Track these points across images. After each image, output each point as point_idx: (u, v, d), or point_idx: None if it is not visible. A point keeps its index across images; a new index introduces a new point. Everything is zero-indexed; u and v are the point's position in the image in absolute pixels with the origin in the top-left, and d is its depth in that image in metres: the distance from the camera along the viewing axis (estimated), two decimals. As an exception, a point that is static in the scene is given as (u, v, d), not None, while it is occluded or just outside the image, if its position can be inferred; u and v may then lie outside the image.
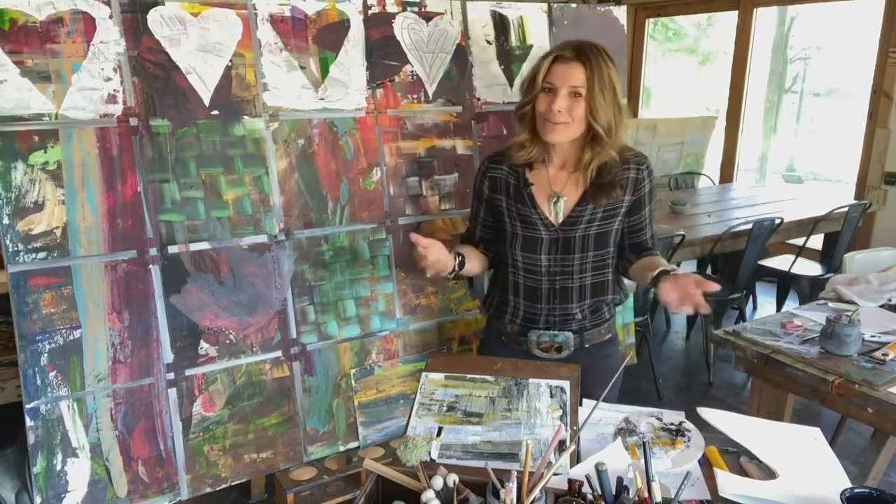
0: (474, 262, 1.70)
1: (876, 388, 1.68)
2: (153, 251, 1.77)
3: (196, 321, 1.83)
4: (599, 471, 1.03)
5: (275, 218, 1.91)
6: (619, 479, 1.05)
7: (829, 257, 3.81)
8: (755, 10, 5.00)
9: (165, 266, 1.78)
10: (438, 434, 1.33)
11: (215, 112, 1.82)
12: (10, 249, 1.61)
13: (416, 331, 2.14)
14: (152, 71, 1.74)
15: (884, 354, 1.79)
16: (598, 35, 2.34)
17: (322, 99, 1.95)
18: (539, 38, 2.26)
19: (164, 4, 1.74)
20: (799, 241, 3.76)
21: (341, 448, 2.05)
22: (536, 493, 1.00)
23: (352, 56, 1.98)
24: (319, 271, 1.99)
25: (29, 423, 1.66)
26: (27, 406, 1.66)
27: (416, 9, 2.06)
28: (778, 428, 1.45)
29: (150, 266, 1.77)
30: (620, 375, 1.66)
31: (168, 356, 1.80)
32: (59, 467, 1.69)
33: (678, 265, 3.98)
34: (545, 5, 2.27)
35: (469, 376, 1.49)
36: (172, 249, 1.79)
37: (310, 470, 2.06)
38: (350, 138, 2.00)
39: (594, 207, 1.59)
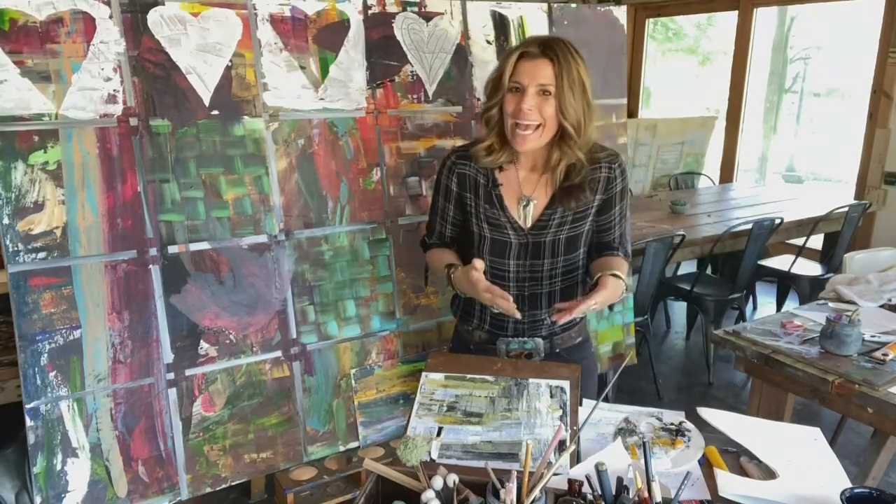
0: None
1: (876, 388, 1.68)
2: (153, 251, 1.77)
3: (196, 321, 1.83)
4: (599, 471, 1.03)
5: (275, 218, 1.91)
6: (619, 479, 1.05)
7: (829, 257, 3.81)
8: (755, 10, 5.00)
9: (165, 266, 1.78)
10: (438, 434, 1.33)
11: (215, 112, 1.82)
12: (10, 249, 1.61)
13: (416, 331, 2.14)
14: (152, 71, 1.74)
15: (884, 354, 1.79)
16: (598, 35, 2.35)
17: (322, 99, 1.95)
18: (539, 38, 2.26)
19: (164, 4, 1.74)
20: (799, 241, 3.76)
21: (341, 448, 2.05)
22: (536, 493, 1.00)
23: (352, 56, 1.98)
24: (319, 271, 1.99)
25: (29, 423, 1.66)
26: (27, 406, 1.66)
27: (416, 9, 2.06)
28: (778, 428, 1.45)
29: (150, 266, 1.77)
30: (593, 388, 1.66)
31: (168, 356, 1.80)
32: (59, 467, 1.69)
33: (678, 265, 3.99)
34: (545, 5, 2.27)
35: (469, 376, 1.49)
36: (172, 249, 1.79)
37: (310, 470, 2.06)
38: (350, 138, 2.00)
39: (564, 211, 1.52)
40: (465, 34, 2.14)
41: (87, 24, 1.66)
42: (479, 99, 2.17)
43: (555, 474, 1.05)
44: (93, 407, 1.73)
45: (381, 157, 2.05)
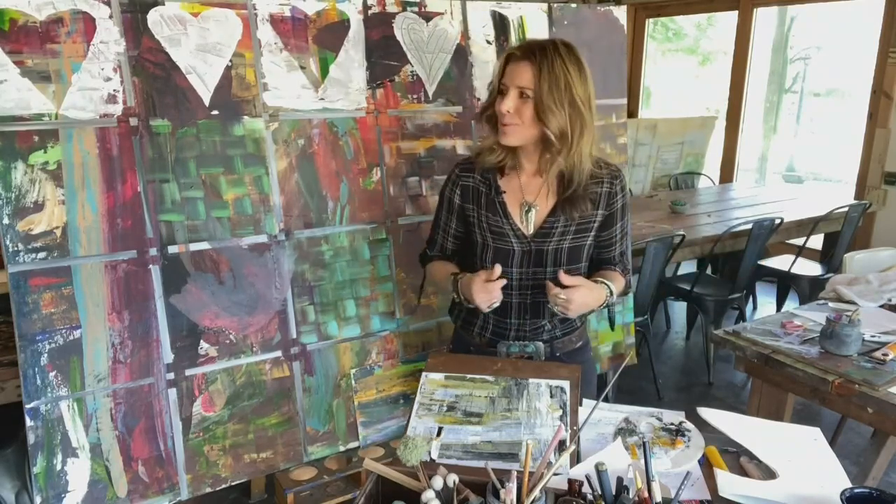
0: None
1: (876, 388, 1.67)
2: (153, 251, 1.77)
3: (196, 321, 1.83)
4: (599, 471, 1.03)
5: (275, 218, 1.91)
6: (619, 479, 1.05)
7: (829, 257, 3.81)
8: (755, 10, 5.00)
9: (165, 266, 1.78)
10: (438, 434, 1.33)
11: (215, 112, 1.82)
12: (10, 249, 1.62)
13: (416, 331, 2.14)
14: (152, 71, 1.74)
15: (884, 354, 1.79)
16: (598, 35, 2.35)
17: (322, 99, 1.95)
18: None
19: (164, 4, 1.74)
20: (799, 241, 3.76)
21: (341, 448, 2.05)
22: (536, 493, 1.00)
23: (352, 56, 1.98)
24: (319, 271, 1.99)
25: (29, 423, 1.66)
26: (27, 406, 1.66)
27: (416, 9, 2.06)
28: (778, 428, 1.45)
29: (150, 266, 1.77)
30: (592, 391, 1.65)
31: (168, 356, 1.80)
32: (59, 467, 1.69)
33: (678, 265, 3.99)
34: (545, 5, 2.27)
35: (469, 376, 1.49)
36: (172, 249, 1.79)
37: (310, 470, 2.06)
38: (350, 138, 2.00)
39: (566, 220, 1.51)
40: (465, 34, 2.14)
41: (87, 24, 1.66)
42: (478, 99, 2.17)
43: (555, 474, 1.05)
44: (93, 407, 1.73)
45: (381, 157, 2.05)
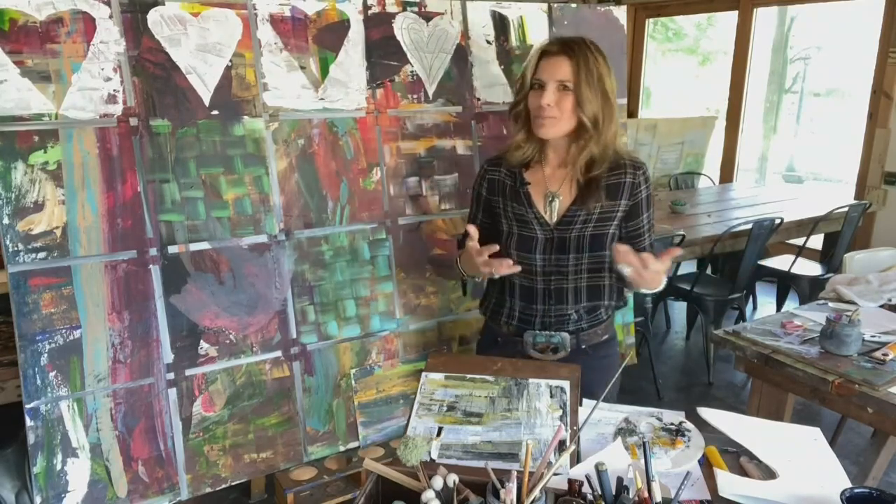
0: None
1: (876, 388, 1.67)
2: (153, 251, 1.77)
3: (196, 321, 1.83)
4: (599, 471, 1.03)
5: (275, 218, 1.91)
6: (619, 479, 1.05)
7: (829, 257, 3.81)
8: (755, 10, 5.00)
9: (165, 266, 1.78)
10: (438, 434, 1.33)
11: (215, 112, 1.82)
12: (10, 249, 1.62)
13: (416, 331, 2.14)
14: (152, 71, 1.74)
15: (884, 354, 1.79)
16: (598, 35, 2.34)
17: (322, 99, 1.95)
18: (539, 39, 2.25)
19: (164, 4, 1.74)
20: (799, 241, 3.76)
21: (341, 448, 2.05)
22: (536, 493, 1.00)
23: (352, 56, 1.98)
24: (319, 271, 1.99)
25: (29, 423, 1.66)
26: (27, 406, 1.66)
27: (416, 9, 2.06)
28: (778, 428, 1.45)
29: (150, 266, 1.77)
30: (619, 375, 1.64)
31: (168, 356, 1.80)
32: (59, 467, 1.69)
33: (678, 265, 3.99)
34: (545, 5, 2.27)
35: (469, 376, 1.49)
36: (172, 249, 1.79)
37: (310, 470, 2.06)
38: (350, 138, 2.00)
39: (589, 208, 1.56)
40: (465, 34, 2.14)
41: (87, 24, 1.66)
42: (479, 99, 2.17)
43: (555, 474, 1.05)
44: (93, 407, 1.73)
45: (381, 157, 2.05)
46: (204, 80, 1.80)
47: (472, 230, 1.53)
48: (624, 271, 1.49)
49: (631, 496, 1.04)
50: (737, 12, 5.07)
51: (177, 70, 1.76)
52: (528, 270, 1.61)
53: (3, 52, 1.58)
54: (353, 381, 2.05)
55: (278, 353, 1.94)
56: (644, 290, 1.62)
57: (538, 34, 2.25)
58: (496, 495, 0.98)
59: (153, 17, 1.73)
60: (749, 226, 3.26)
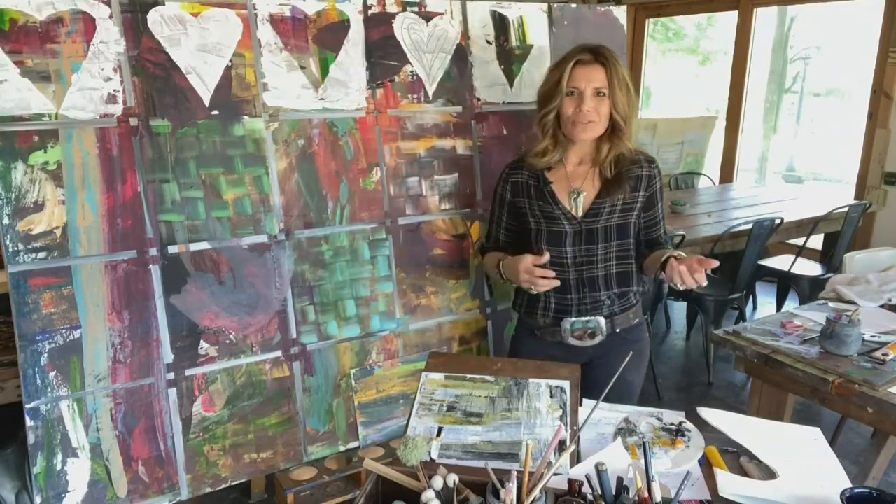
0: None
1: (876, 388, 1.67)
2: (153, 251, 1.77)
3: (196, 321, 1.83)
4: (599, 471, 1.03)
5: (275, 218, 1.92)
6: (619, 479, 1.05)
7: (829, 257, 3.81)
8: (755, 10, 4.99)
9: (165, 266, 1.78)
10: (438, 434, 1.33)
11: (215, 112, 1.82)
12: (10, 249, 1.62)
13: (416, 331, 2.14)
14: (152, 71, 1.74)
15: (884, 354, 1.79)
16: (598, 35, 2.34)
17: (322, 99, 1.95)
18: (539, 38, 2.26)
19: (164, 4, 1.74)
20: (799, 241, 3.75)
21: (341, 448, 2.05)
22: (536, 493, 1.00)
23: (352, 56, 1.98)
24: (319, 271, 1.99)
25: (29, 423, 1.66)
26: (27, 406, 1.66)
27: (416, 9, 2.06)
28: (778, 428, 1.45)
29: (150, 266, 1.77)
30: (643, 371, 1.84)
31: (168, 356, 1.80)
32: (59, 467, 1.69)
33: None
34: (545, 5, 2.27)
35: (469, 376, 1.49)
36: (172, 249, 1.79)
37: (310, 470, 2.06)
38: (350, 138, 2.00)
39: (613, 199, 1.69)
40: (465, 34, 2.14)
41: (87, 24, 1.66)
42: (479, 99, 2.17)
43: (555, 474, 1.05)
44: (93, 407, 1.73)
45: (381, 157, 2.05)
46: (204, 80, 1.80)
47: (547, 257, 1.62)
48: (677, 285, 1.57)
49: (631, 496, 1.04)
50: (737, 12, 5.07)
51: (177, 70, 1.76)
52: (560, 263, 1.72)
53: (3, 52, 1.58)
54: (353, 381, 2.05)
55: (278, 353, 1.94)
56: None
57: (538, 34, 2.25)
58: (496, 495, 0.98)
59: (153, 17, 1.73)
60: (749, 226, 3.26)
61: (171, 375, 1.81)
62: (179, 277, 1.80)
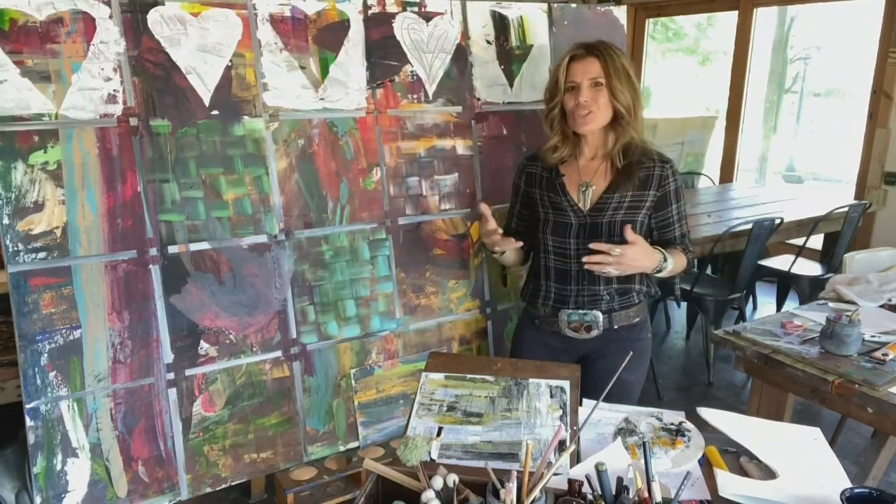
0: (513, 253, 1.85)
1: (876, 388, 1.67)
2: (153, 251, 1.77)
3: (196, 321, 1.83)
4: (599, 471, 1.03)
5: (275, 218, 1.92)
6: (619, 479, 1.05)
7: (829, 257, 3.81)
8: (755, 10, 4.99)
9: (165, 266, 1.78)
10: (438, 434, 1.33)
11: (215, 112, 1.82)
12: (10, 249, 1.62)
13: (416, 331, 2.14)
14: (152, 71, 1.74)
15: (884, 354, 1.79)
16: (598, 35, 2.34)
17: (322, 99, 1.95)
18: (539, 38, 2.26)
19: (164, 4, 1.74)
20: (799, 241, 3.75)
21: (341, 448, 2.05)
22: (536, 493, 1.00)
23: (352, 56, 1.98)
24: (319, 271, 1.99)
25: (29, 423, 1.66)
26: (27, 406, 1.66)
27: (416, 9, 2.06)
28: (778, 428, 1.45)
29: (150, 266, 1.77)
30: (643, 371, 1.84)
31: (168, 356, 1.80)
32: (59, 467, 1.69)
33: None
34: (545, 5, 2.27)
35: (469, 376, 1.49)
36: (172, 249, 1.79)
37: (310, 470, 2.06)
38: (350, 138, 2.00)
39: (621, 195, 1.71)
40: (465, 34, 2.14)
41: (87, 24, 1.66)
42: (479, 99, 2.17)
43: (555, 474, 1.05)
44: (93, 407, 1.73)
45: (381, 157, 2.05)
46: (204, 80, 1.80)
47: (484, 207, 1.74)
48: (610, 272, 1.65)
49: (631, 496, 1.04)
50: (737, 12, 5.07)
51: (177, 70, 1.76)
52: (563, 254, 1.76)
53: (3, 52, 1.58)
54: (353, 381, 2.05)
55: (278, 353, 1.94)
56: (669, 275, 1.75)
57: (538, 34, 2.26)
58: (496, 495, 0.98)
59: (153, 17, 1.73)
60: (749, 226, 3.25)
61: (171, 375, 1.81)
62: (179, 277, 1.80)
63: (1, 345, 2.17)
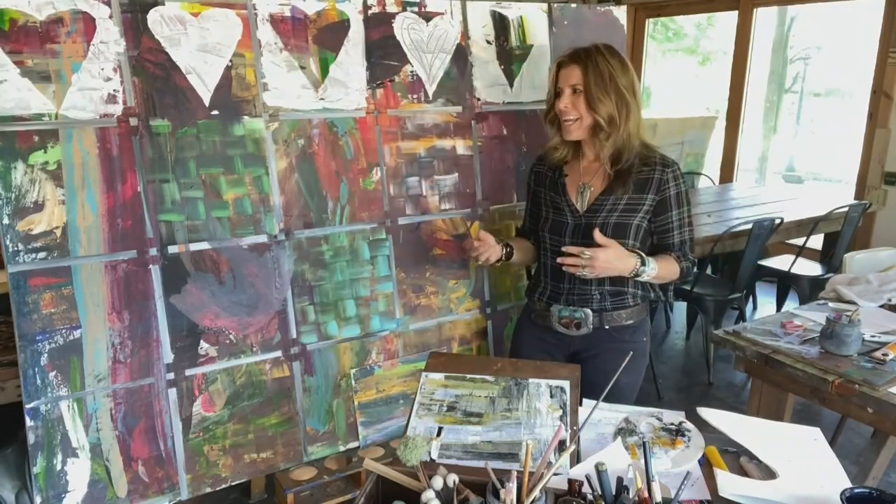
0: (521, 252, 1.88)
1: (876, 388, 1.67)
2: (153, 251, 1.77)
3: (196, 321, 1.83)
4: (599, 471, 1.03)
5: (275, 218, 1.91)
6: (619, 479, 1.05)
7: (829, 257, 3.81)
8: (755, 10, 4.99)
9: (165, 266, 1.78)
10: (438, 434, 1.33)
11: (215, 112, 1.82)
12: (10, 249, 1.62)
13: (416, 331, 2.14)
14: (152, 71, 1.74)
15: (884, 354, 1.79)
16: (598, 35, 2.34)
17: (322, 99, 1.95)
18: (539, 38, 2.26)
19: (164, 4, 1.74)
20: (799, 241, 3.75)
21: (341, 448, 2.05)
22: (536, 493, 1.00)
23: (352, 56, 1.98)
24: (319, 271, 1.99)
25: (29, 423, 1.66)
26: (27, 406, 1.66)
27: (416, 9, 2.06)
28: (778, 428, 1.45)
29: (150, 266, 1.77)
30: (638, 374, 1.83)
31: (168, 356, 1.80)
32: (59, 467, 1.69)
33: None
34: (545, 5, 2.27)
35: (469, 376, 1.49)
36: (172, 249, 1.79)
37: (310, 470, 2.06)
38: (350, 138, 2.00)
39: (616, 198, 1.71)
40: (465, 34, 2.14)
41: (87, 24, 1.66)
42: (479, 99, 2.17)
43: (555, 474, 1.05)
44: (93, 407, 1.73)
45: (381, 157, 2.05)
46: (204, 80, 1.80)
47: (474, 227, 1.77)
48: (585, 274, 1.66)
49: (631, 496, 1.04)
50: (737, 12, 5.07)
51: (177, 70, 1.76)
52: (559, 252, 1.74)
53: (3, 52, 1.58)
54: (353, 381, 2.05)
55: (278, 353, 1.94)
56: (654, 281, 1.74)
57: (538, 34, 2.26)
58: (496, 495, 0.98)
59: (153, 17, 1.73)
60: (749, 226, 3.25)
61: (171, 375, 1.81)
62: (179, 277, 1.80)
63: (1, 345, 2.17)
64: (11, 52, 1.58)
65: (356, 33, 1.98)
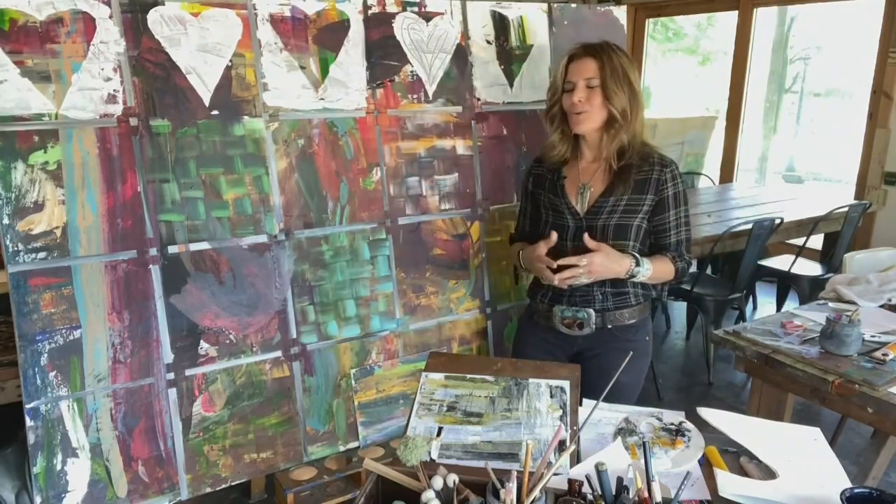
0: None
1: (876, 388, 1.67)
2: (153, 251, 1.77)
3: (196, 321, 1.83)
4: (599, 471, 1.03)
5: (275, 218, 1.91)
6: (619, 479, 1.05)
7: (829, 257, 3.80)
8: (755, 10, 4.99)
9: (165, 266, 1.78)
10: (438, 434, 1.33)
11: (215, 112, 1.82)
12: (10, 249, 1.62)
13: (416, 331, 2.14)
14: (152, 71, 1.74)
15: (884, 354, 1.79)
16: (598, 35, 2.34)
17: (322, 99, 1.95)
18: (539, 38, 2.26)
19: (164, 4, 1.74)
20: (799, 241, 3.75)
21: (341, 448, 2.06)
22: (536, 493, 1.00)
23: (352, 56, 1.98)
24: (319, 271, 1.99)
25: (29, 423, 1.66)
26: (27, 406, 1.66)
27: (416, 9, 2.06)
28: (778, 428, 1.45)
29: (150, 266, 1.77)
30: (639, 373, 1.83)
31: (168, 356, 1.80)
32: (59, 467, 1.69)
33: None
34: (545, 5, 2.27)
35: (469, 376, 1.49)
36: (172, 249, 1.79)
37: (310, 470, 2.06)
38: (350, 138, 2.00)
39: (616, 199, 1.70)
40: (465, 34, 2.14)
41: (87, 24, 1.66)
42: (479, 99, 2.17)
43: (555, 474, 1.05)
44: (93, 407, 1.73)
45: (381, 157, 2.05)
46: (204, 80, 1.80)
47: (554, 237, 1.69)
48: (584, 281, 1.67)
49: (631, 496, 1.04)
50: (737, 12, 5.07)
51: (177, 70, 1.76)
52: (562, 254, 1.73)
53: (3, 52, 1.58)
54: (353, 381, 2.05)
55: (278, 353, 1.94)
56: (649, 281, 1.74)
57: (538, 34, 2.26)
58: (496, 495, 0.98)
59: (153, 17, 1.73)
60: (749, 226, 3.25)
61: (171, 375, 1.81)
62: (179, 277, 1.80)
63: (1, 345, 2.17)
64: (11, 52, 1.58)
65: (356, 33, 1.98)
